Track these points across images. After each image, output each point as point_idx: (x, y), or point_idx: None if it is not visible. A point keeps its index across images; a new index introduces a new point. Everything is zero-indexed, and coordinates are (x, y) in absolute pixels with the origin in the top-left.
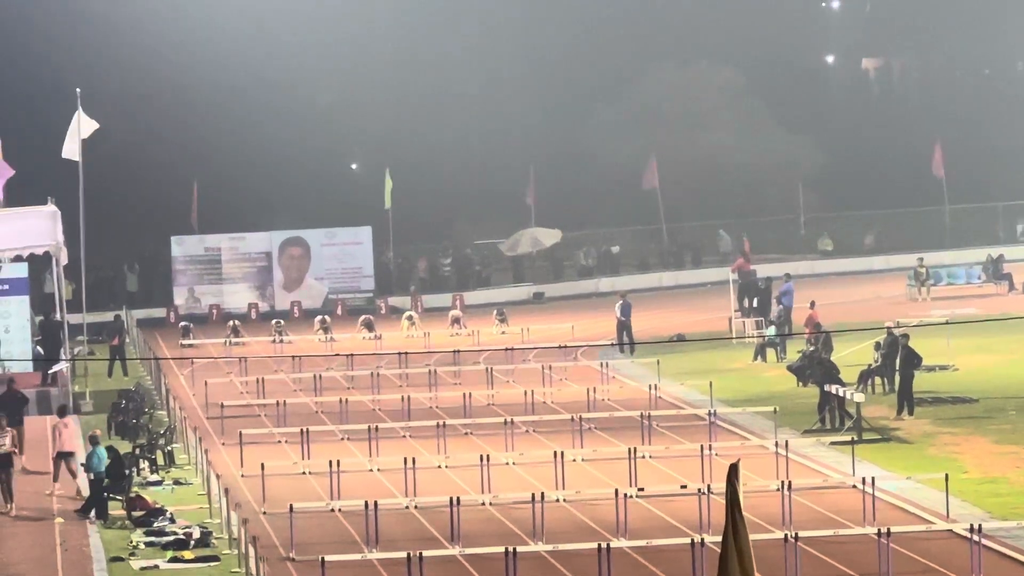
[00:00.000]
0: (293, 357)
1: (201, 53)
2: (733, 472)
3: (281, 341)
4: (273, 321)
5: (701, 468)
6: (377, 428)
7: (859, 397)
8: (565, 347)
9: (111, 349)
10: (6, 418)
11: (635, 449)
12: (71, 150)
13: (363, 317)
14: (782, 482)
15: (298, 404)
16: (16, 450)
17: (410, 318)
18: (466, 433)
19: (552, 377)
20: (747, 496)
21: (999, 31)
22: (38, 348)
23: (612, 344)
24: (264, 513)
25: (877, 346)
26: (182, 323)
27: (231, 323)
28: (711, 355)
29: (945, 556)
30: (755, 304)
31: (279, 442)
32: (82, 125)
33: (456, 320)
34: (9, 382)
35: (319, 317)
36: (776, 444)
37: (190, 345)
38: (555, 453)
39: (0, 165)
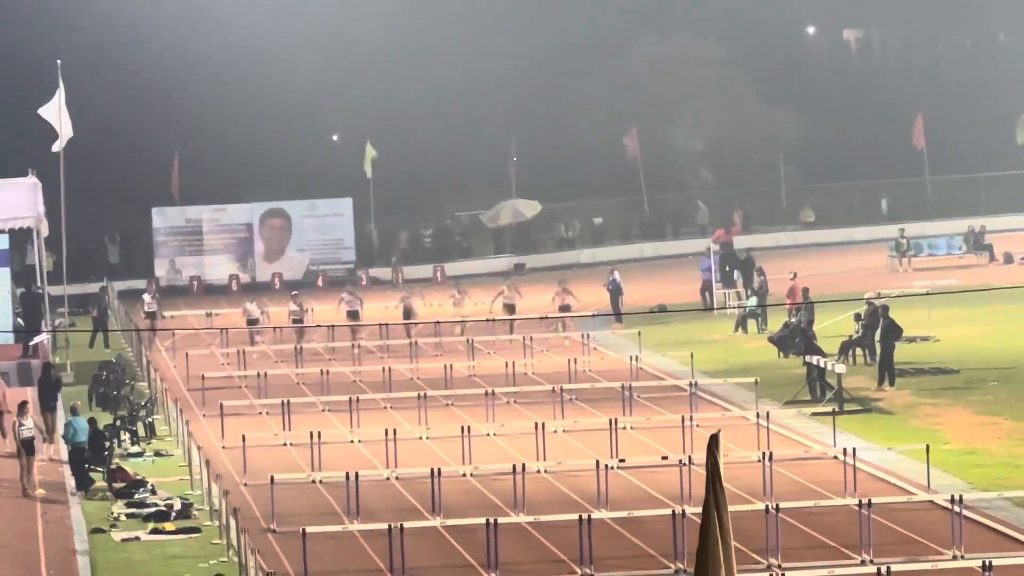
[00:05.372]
0: (274, 328)
1: (182, 24)
2: (713, 443)
3: (300, 319)
4: (292, 293)
5: (682, 439)
6: (358, 399)
7: (840, 368)
8: (546, 318)
9: (94, 320)
10: (39, 403)
11: (616, 420)
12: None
13: (402, 301)
14: (763, 453)
15: (279, 376)
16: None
17: (459, 301)
18: (447, 404)
19: (533, 348)
20: (728, 467)
21: (981, 2)
22: (19, 320)
23: (609, 314)
24: (245, 485)
25: (858, 317)
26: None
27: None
28: (692, 326)
29: (926, 527)
30: (734, 274)
31: (260, 414)
32: (63, 124)
33: (510, 305)
34: (45, 366)
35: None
36: (757, 415)
37: (151, 313)
38: (536, 424)
39: None
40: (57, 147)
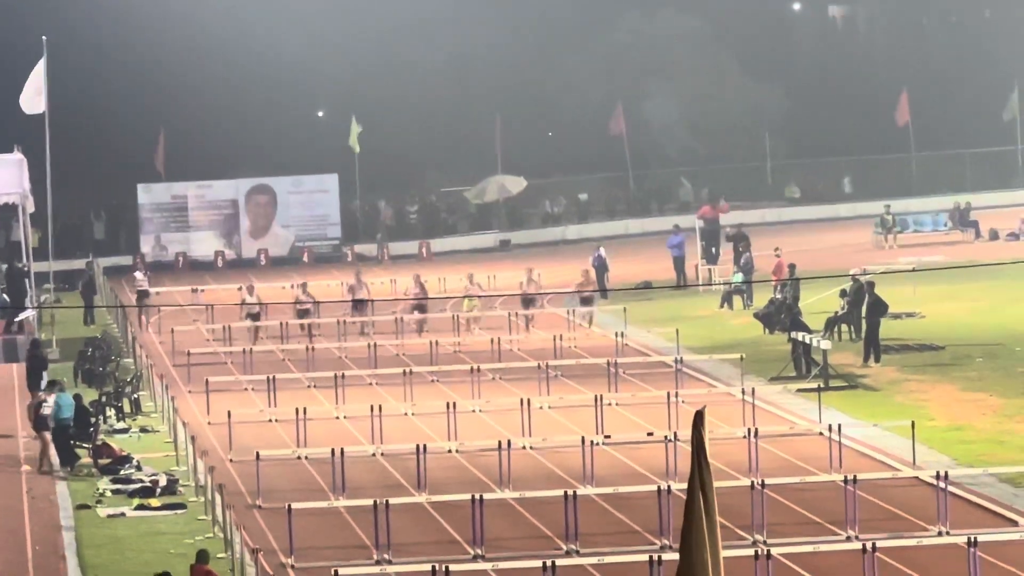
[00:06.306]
0: (260, 304)
1: (167, 1)
2: (699, 419)
3: (308, 311)
4: (301, 283)
5: (668, 415)
6: (344, 376)
7: (826, 344)
8: (536, 295)
9: (83, 296)
10: (26, 380)
11: (601, 396)
12: (33, 103)
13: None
14: (749, 429)
15: (264, 352)
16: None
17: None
18: (432, 381)
19: (519, 325)
20: (714, 443)
21: None
22: (4, 296)
23: (595, 291)
24: (231, 461)
25: (843, 293)
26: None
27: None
28: (677, 302)
29: (911, 503)
30: (712, 250)
31: (246, 390)
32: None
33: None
34: (33, 342)
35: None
36: (743, 391)
37: (142, 291)
38: (521, 401)
39: None
40: (31, 109)
